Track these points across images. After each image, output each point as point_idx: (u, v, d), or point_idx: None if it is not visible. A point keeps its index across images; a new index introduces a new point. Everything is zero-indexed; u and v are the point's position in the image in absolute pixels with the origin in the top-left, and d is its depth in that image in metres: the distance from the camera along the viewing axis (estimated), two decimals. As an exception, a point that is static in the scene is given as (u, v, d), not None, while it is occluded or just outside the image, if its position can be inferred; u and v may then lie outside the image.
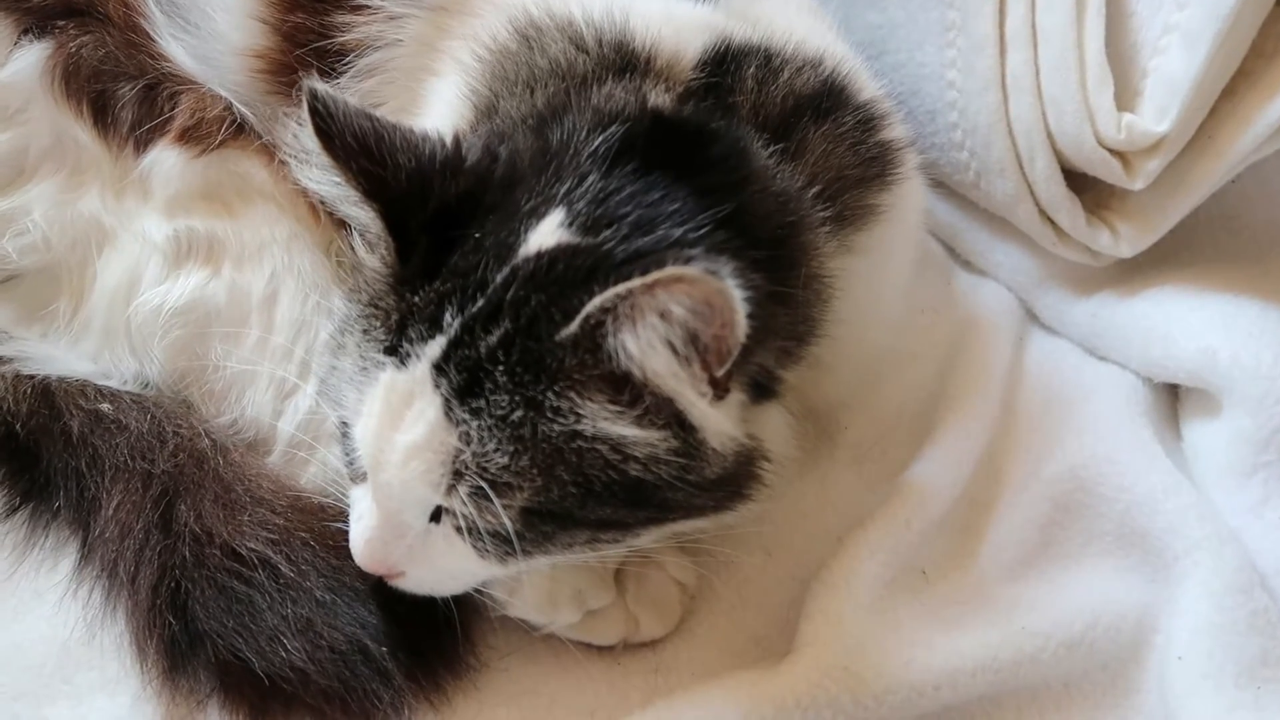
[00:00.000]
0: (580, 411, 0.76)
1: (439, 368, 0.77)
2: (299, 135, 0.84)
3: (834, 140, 0.91)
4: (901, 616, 0.93)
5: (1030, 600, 0.95)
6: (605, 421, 0.76)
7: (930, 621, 0.93)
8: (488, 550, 0.80)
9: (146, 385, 1.03)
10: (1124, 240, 1.08)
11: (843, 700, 0.86)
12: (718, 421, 0.79)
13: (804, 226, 0.86)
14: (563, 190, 0.79)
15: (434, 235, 0.79)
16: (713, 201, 0.79)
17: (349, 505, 0.87)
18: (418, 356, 0.77)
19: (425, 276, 0.79)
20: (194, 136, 1.00)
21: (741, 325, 0.73)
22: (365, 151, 0.79)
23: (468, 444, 0.76)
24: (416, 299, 0.78)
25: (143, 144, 1.01)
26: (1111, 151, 1.03)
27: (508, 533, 0.78)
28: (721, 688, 0.88)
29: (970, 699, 0.91)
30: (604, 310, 0.73)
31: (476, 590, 0.88)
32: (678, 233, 0.76)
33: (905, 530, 0.96)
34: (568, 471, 0.77)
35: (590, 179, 0.79)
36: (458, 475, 0.77)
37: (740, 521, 0.89)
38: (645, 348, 0.73)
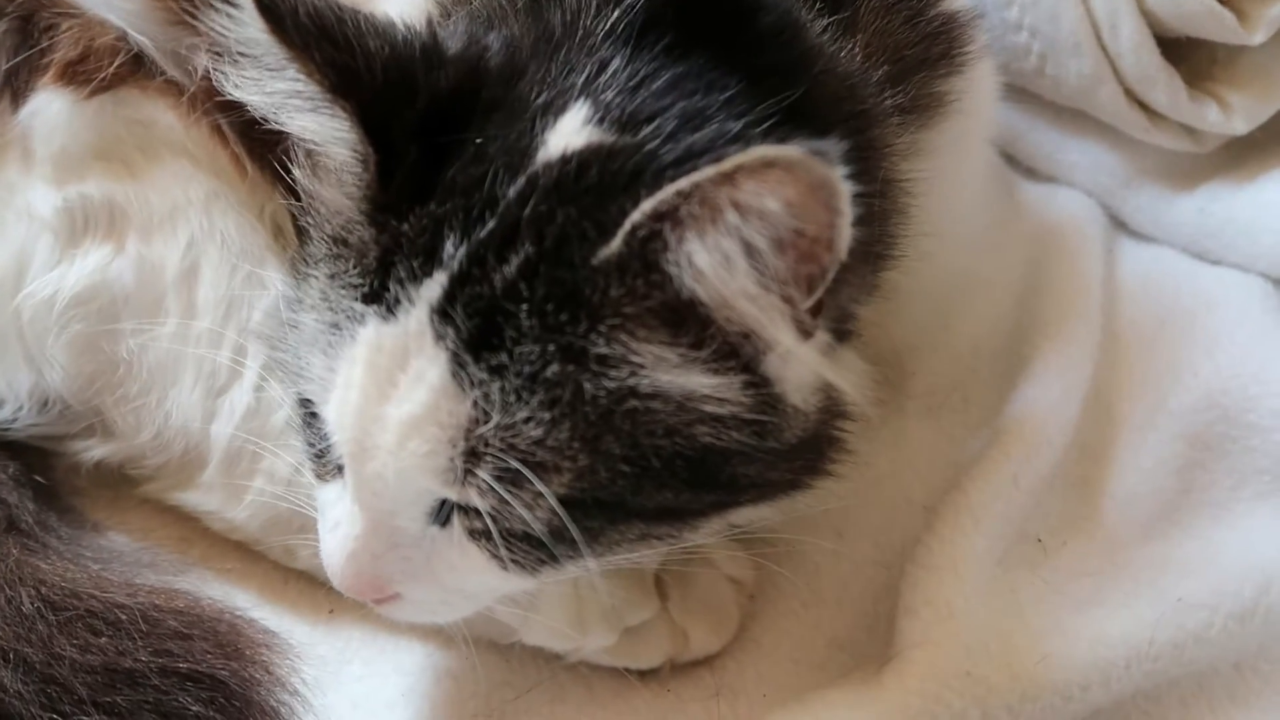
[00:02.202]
0: (635, 359, 0.59)
1: (441, 313, 0.59)
2: (230, 25, 0.65)
3: (887, 10, 0.74)
4: (1023, 600, 0.74)
5: (1180, 564, 0.77)
6: (667, 371, 0.60)
7: (1060, 603, 0.75)
8: (513, 558, 0.63)
9: (47, 404, 0.84)
10: (1237, 113, 0.92)
11: (970, 715, 0.67)
12: (806, 366, 0.63)
13: (876, 118, 0.71)
14: (580, 80, 0.63)
15: (423, 144, 0.62)
16: (771, 87, 0.63)
17: (315, 512, 0.68)
18: (410, 301, 0.60)
19: (415, 198, 0.61)
20: (80, 73, 0.81)
21: (846, 233, 0.56)
22: (327, 35, 0.62)
23: (487, 414, 0.59)
24: (405, 227, 0.61)
25: (20, 96, 0.82)
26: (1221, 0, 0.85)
27: (541, 533, 0.61)
28: (808, 714, 0.68)
29: (1123, 696, 0.72)
30: (658, 216, 0.56)
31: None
32: (736, 126, 0.61)
33: (1013, 490, 0.77)
34: (619, 444, 0.60)
35: (614, 65, 0.64)
36: (473, 457, 0.59)
37: (813, 504, 0.72)
38: (721, 261, 0.56)
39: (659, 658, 0.76)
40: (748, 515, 0.69)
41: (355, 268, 0.63)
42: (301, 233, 0.72)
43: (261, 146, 0.83)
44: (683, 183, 0.55)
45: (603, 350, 0.59)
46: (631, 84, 0.63)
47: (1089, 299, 0.89)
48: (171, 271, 0.81)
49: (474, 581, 0.66)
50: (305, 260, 0.67)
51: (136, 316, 0.81)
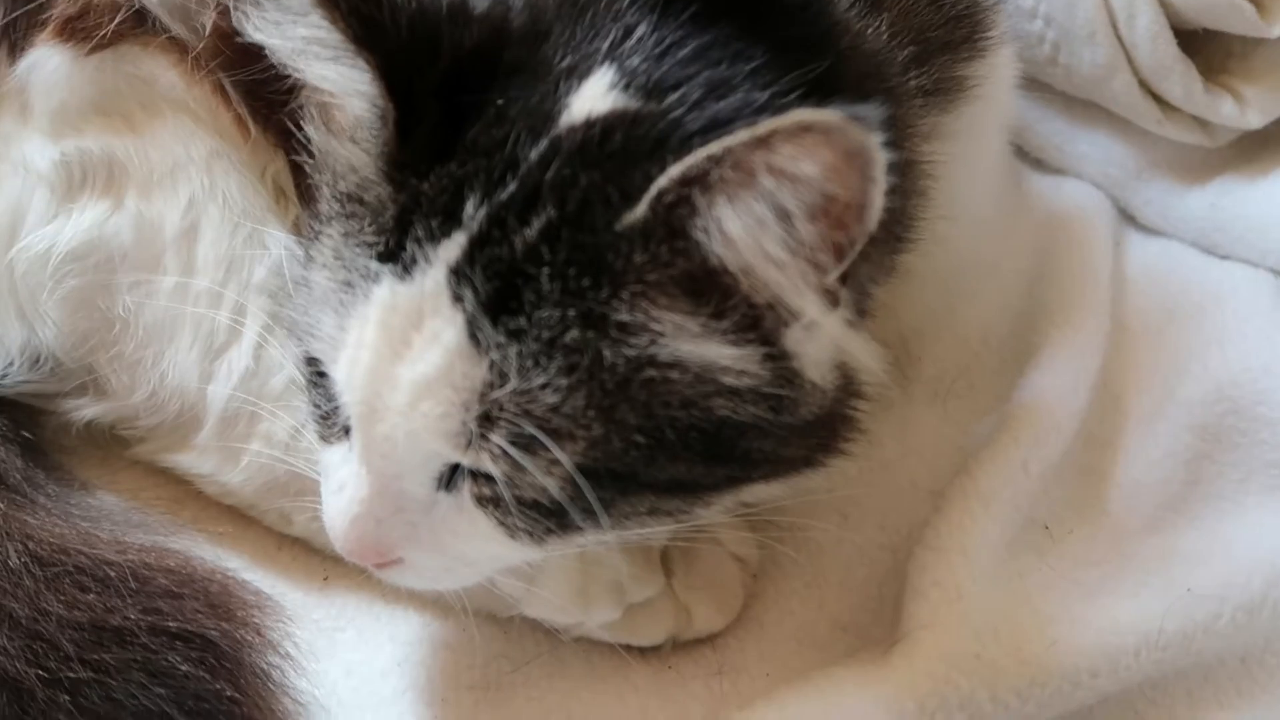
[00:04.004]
0: (655, 327, 0.58)
1: (459, 273, 0.58)
2: None
3: None
4: (1030, 585, 0.73)
5: (1188, 555, 0.76)
6: (688, 340, 0.58)
7: (1068, 590, 0.73)
8: (521, 526, 0.61)
9: (39, 360, 0.82)
10: (1252, 107, 0.90)
11: (979, 697, 0.66)
12: (827, 339, 0.62)
13: (900, 98, 0.70)
14: (606, 45, 0.62)
15: (446, 102, 0.61)
16: (797, 59, 0.61)
17: (316, 474, 0.67)
18: (427, 261, 0.58)
19: (435, 156, 0.60)
20: (80, 29, 0.78)
21: (879, 202, 0.55)
22: None
23: (504, 377, 0.57)
24: (425, 186, 0.60)
25: (18, 48, 0.80)
26: (1241, -10, 0.84)
27: (552, 501, 0.60)
28: (816, 691, 0.67)
29: (1131, 685, 0.71)
30: (686, 181, 0.55)
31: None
32: (762, 96, 0.59)
33: (1022, 475, 0.76)
34: (634, 414, 0.59)
35: (639, 31, 0.62)
36: (487, 421, 0.58)
37: (822, 485, 0.70)
38: (752, 227, 0.55)
39: (661, 635, 0.74)
40: (760, 493, 0.68)
41: (371, 225, 0.61)
42: (311, 190, 0.71)
43: (265, 107, 0.82)
44: (714, 146, 0.54)
45: (623, 317, 0.58)
46: (657, 51, 0.62)
47: (1098, 289, 0.88)
48: (171, 229, 0.79)
49: (479, 549, 0.64)
50: (317, 218, 0.65)
51: (134, 274, 0.78)
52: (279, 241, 0.79)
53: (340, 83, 0.63)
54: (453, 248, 0.58)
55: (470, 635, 0.74)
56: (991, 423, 0.82)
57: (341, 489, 0.64)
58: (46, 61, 0.78)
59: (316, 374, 0.65)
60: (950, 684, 0.66)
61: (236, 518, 0.81)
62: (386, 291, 0.59)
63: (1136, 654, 0.69)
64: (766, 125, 0.53)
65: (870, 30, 0.69)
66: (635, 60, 0.61)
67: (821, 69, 0.61)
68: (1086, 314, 0.86)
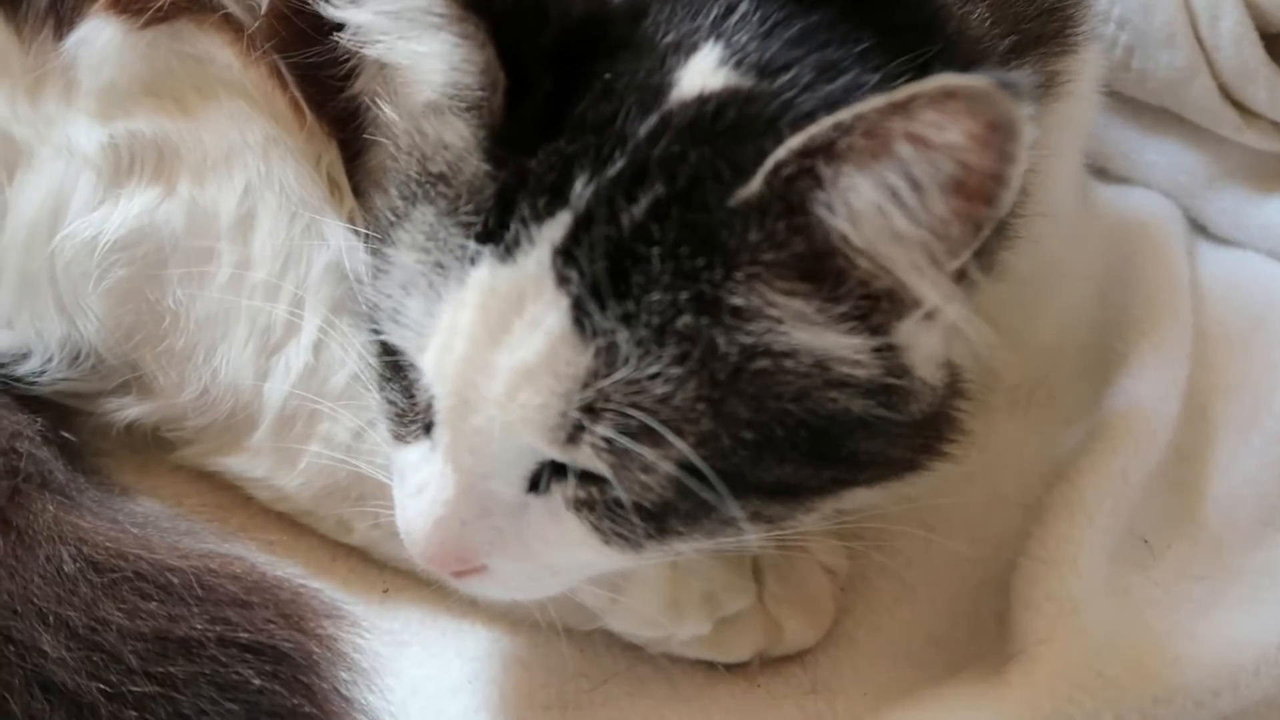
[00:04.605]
0: (772, 313, 0.55)
1: (565, 254, 0.55)
2: None
3: None
4: (1139, 600, 0.70)
5: (1295, 570, 0.72)
6: (805, 327, 0.55)
7: (1178, 605, 0.70)
8: (616, 531, 0.58)
9: (79, 357, 0.77)
10: None
11: (1104, 717, 0.62)
12: (939, 332, 0.59)
13: None
14: (708, 21, 0.60)
15: (558, 74, 0.58)
16: (903, 45, 0.59)
17: (386, 477, 0.63)
18: (531, 241, 0.55)
19: (545, 132, 0.57)
20: (135, 1, 0.74)
21: (1016, 183, 0.52)
22: None
23: (610, 366, 0.54)
24: (533, 163, 0.56)
25: (66, 22, 0.76)
26: (1334, -8, 0.82)
27: (653, 504, 0.56)
28: (927, 712, 0.63)
29: (1250, 704, 0.67)
30: (808, 152, 0.52)
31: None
32: (873, 79, 0.57)
33: (1123, 485, 0.73)
34: (745, 407, 0.55)
35: (742, 8, 0.60)
36: (590, 413, 0.54)
37: (915, 493, 0.67)
38: (884, 200, 0.52)
39: (750, 650, 0.70)
40: (860, 498, 0.64)
41: (468, 204, 0.57)
42: (387, 175, 0.67)
43: (320, 94, 0.78)
44: (843, 114, 0.51)
45: (739, 301, 0.54)
46: (763, 29, 0.59)
47: (1181, 296, 0.85)
48: (226, 217, 0.75)
49: (569, 556, 0.60)
50: (403, 197, 0.61)
51: (186, 264, 0.74)
52: (338, 233, 0.76)
53: (436, 55, 0.60)
54: (557, 227, 0.55)
55: (545, 651, 0.70)
56: (1079, 432, 0.79)
57: (422, 491, 0.60)
58: (98, 34, 0.74)
59: (393, 366, 0.62)
60: (1073, 703, 0.62)
61: (287, 526, 0.77)
62: (486, 273, 0.56)
63: (1256, 671, 0.66)
64: (907, 90, 0.50)
65: (973, 17, 0.67)
66: (743, 37, 0.59)
67: (931, 53, 0.58)
68: (1172, 321, 0.83)
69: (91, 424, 0.79)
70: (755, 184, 0.53)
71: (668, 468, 0.55)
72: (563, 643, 0.70)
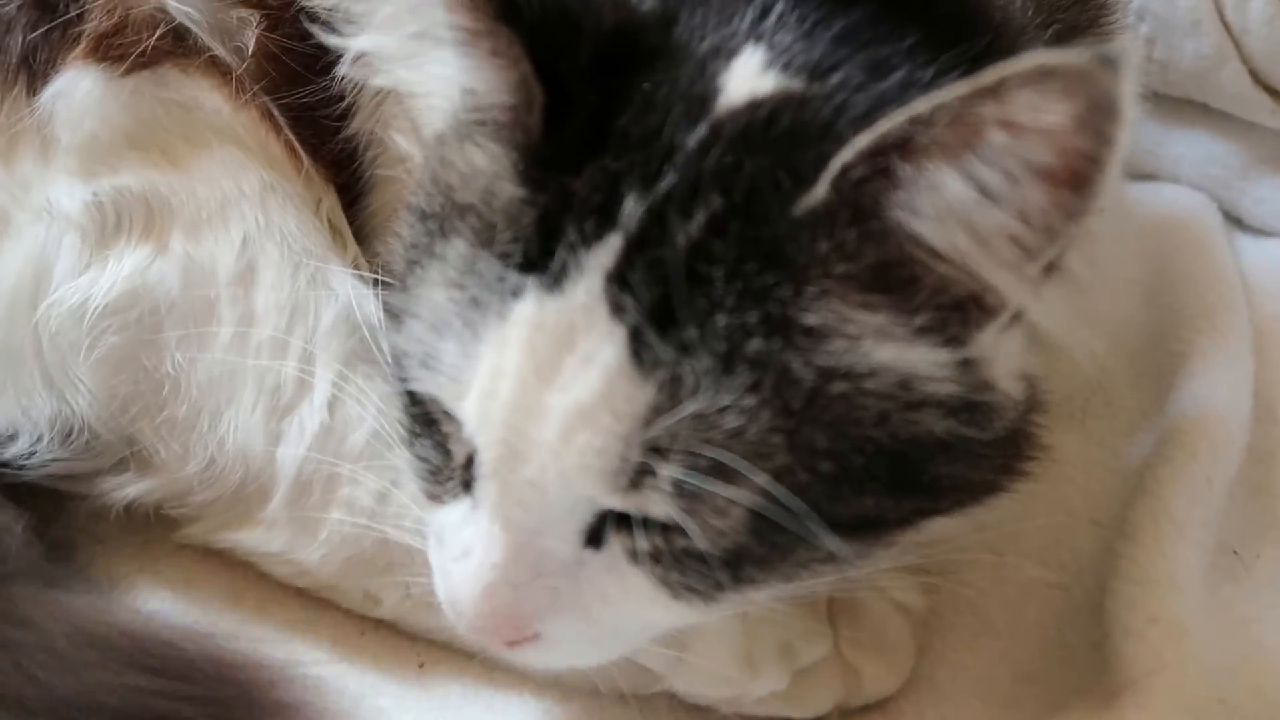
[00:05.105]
0: (849, 330, 0.51)
1: (618, 280, 0.50)
2: None
3: None
4: (1242, 616, 0.65)
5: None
6: (886, 344, 0.51)
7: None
8: (685, 583, 0.52)
9: (71, 434, 0.71)
10: None
11: (1230, 748, 0.57)
12: (1021, 340, 0.55)
13: None
14: (746, 24, 0.56)
15: (600, 88, 0.53)
16: (952, 36, 0.55)
17: (425, 543, 0.57)
18: (579, 268, 0.50)
19: (589, 149, 0.52)
20: (115, 46, 0.70)
21: (1113, 170, 0.47)
22: None
23: (675, 400, 0.49)
24: (577, 183, 0.51)
25: (40, 76, 0.70)
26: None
27: (727, 550, 0.51)
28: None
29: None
30: (879, 151, 0.48)
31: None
32: (926, 74, 0.53)
33: (1208, 493, 0.68)
34: (823, 436, 0.51)
35: (778, 8, 0.56)
36: (655, 454, 0.49)
37: (984, 519, 0.61)
38: (974, 197, 0.48)
39: (829, 703, 0.65)
40: (937, 529, 0.59)
41: (505, 232, 0.52)
42: (398, 213, 0.62)
43: (315, 136, 0.74)
44: (920, 105, 0.47)
45: (812, 320, 0.50)
46: (804, 30, 0.56)
47: (1233, 290, 0.81)
48: (225, 273, 0.70)
49: (633, 615, 0.55)
50: (428, 233, 0.56)
51: (184, 326, 0.69)
52: (345, 281, 0.71)
53: (463, 75, 0.55)
54: (608, 251, 0.50)
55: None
56: (1144, 441, 0.74)
57: (467, 554, 0.54)
58: (76, 85, 0.69)
59: (424, 419, 0.57)
60: (1198, 735, 0.57)
61: (307, 602, 0.71)
62: (531, 306, 0.51)
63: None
64: (995, 72, 0.46)
65: (1015, 7, 0.63)
66: (785, 38, 0.55)
67: (982, 45, 0.54)
68: (1230, 316, 0.79)
69: (87, 509, 0.73)
70: (820, 190, 0.49)
71: (743, 508, 0.50)
72: (623, 709, 0.64)
